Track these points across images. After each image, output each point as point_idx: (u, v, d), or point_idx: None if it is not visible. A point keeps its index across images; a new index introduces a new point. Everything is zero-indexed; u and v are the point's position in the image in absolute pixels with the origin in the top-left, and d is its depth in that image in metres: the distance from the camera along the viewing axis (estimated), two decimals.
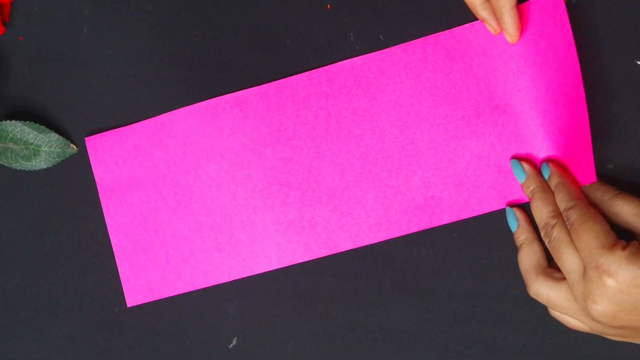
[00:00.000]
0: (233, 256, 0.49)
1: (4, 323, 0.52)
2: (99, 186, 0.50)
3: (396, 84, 0.47)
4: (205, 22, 0.51)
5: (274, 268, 0.49)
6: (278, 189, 0.48)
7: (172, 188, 0.50)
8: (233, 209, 0.49)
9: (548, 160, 0.46)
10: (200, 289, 0.51)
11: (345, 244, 0.48)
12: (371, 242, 0.48)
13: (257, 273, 0.49)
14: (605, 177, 0.48)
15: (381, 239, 0.48)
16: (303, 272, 0.50)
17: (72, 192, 0.52)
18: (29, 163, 0.50)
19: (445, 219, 0.47)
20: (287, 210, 0.48)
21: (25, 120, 0.50)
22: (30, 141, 0.50)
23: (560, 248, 0.43)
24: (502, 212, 0.48)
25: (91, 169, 0.51)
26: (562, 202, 0.44)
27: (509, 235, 0.49)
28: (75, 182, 0.52)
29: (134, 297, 0.50)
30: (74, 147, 0.51)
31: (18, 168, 0.51)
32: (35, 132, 0.50)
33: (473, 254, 0.49)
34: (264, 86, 0.49)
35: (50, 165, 0.51)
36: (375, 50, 0.48)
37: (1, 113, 0.52)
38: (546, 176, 0.46)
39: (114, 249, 0.51)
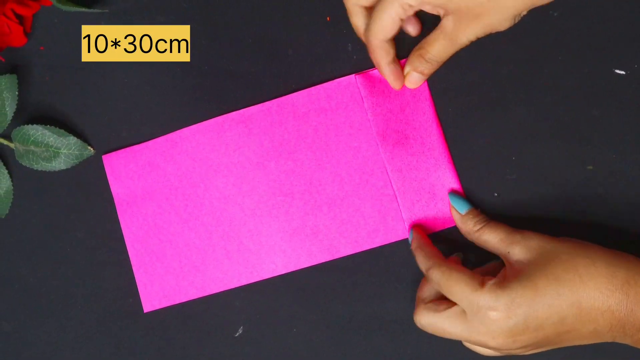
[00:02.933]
0: (242, 263, 0.51)
1: (25, 313, 0.53)
2: (115, 200, 0.52)
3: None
4: (213, 33, 0.52)
5: (280, 273, 0.50)
6: (282, 200, 0.50)
7: (183, 200, 0.51)
8: (241, 219, 0.50)
9: (414, 226, 0.49)
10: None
11: (345, 250, 0.50)
12: (370, 247, 0.50)
13: (264, 278, 0.50)
14: (586, 177, 0.49)
15: (379, 244, 0.50)
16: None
17: (89, 191, 0.52)
18: (49, 164, 0.51)
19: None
20: (290, 219, 0.50)
21: (46, 125, 0.51)
22: (50, 144, 0.51)
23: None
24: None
25: (106, 170, 0.52)
26: (422, 264, 0.46)
27: None
28: (92, 182, 0.52)
29: (150, 303, 0.51)
30: (91, 149, 0.52)
31: (39, 169, 0.51)
32: (55, 136, 0.51)
33: (462, 249, 0.49)
34: (267, 103, 0.50)
35: (69, 167, 0.51)
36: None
37: (24, 118, 0.53)
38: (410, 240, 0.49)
39: (131, 259, 0.51)
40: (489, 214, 0.49)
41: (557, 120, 0.49)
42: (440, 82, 0.50)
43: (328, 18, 0.51)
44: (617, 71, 0.49)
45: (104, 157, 0.52)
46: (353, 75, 0.50)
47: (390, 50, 0.46)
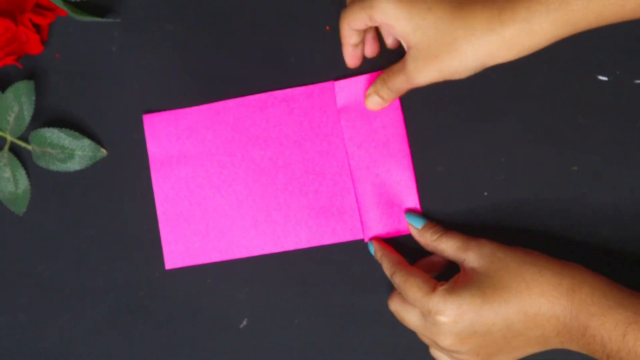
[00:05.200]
0: (267, 233, 0.51)
1: (41, 306, 0.53)
2: (150, 159, 0.52)
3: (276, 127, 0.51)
4: (219, 41, 0.52)
5: (302, 247, 0.51)
6: (313, 178, 0.51)
7: (218, 168, 0.51)
8: (272, 192, 0.51)
9: (372, 238, 0.50)
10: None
11: (368, 232, 0.50)
12: (325, 243, 0.51)
13: (287, 250, 0.51)
14: (571, 177, 0.49)
15: (335, 241, 0.51)
16: (305, 260, 0.51)
17: (102, 191, 0.53)
18: (64, 165, 0.52)
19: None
20: (319, 198, 0.51)
21: (61, 128, 0.51)
22: (65, 146, 0.51)
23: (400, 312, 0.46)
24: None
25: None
26: (386, 271, 0.47)
27: (492, 228, 0.50)
28: (104, 182, 0.53)
29: (172, 260, 0.51)
30: (104, 151, 0.52)
31: (55, 170, 0.52)
32: (70, 138, 0.51)
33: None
34: (311, 86, 0.51)
35: (83, 167, 0.52)
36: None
37: (40, 121, 0.53)
38: (372, 252, 0.49)
39: (158, 217, 0.52)
40: (479, 211, 0.50)
41: (544, 124, 0.50)
42: (434, 89, 0.49)
43: (327, 27, 0.51)
44: (600, 77, 0.49)
45: (144, 116, 0.52)
46: (332, 81, 0.51)
47: (354, 37, 0.47)
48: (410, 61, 0.43)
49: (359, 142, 0.51)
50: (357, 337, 0.51)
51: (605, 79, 0.49)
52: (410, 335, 0.48)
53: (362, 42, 0.49)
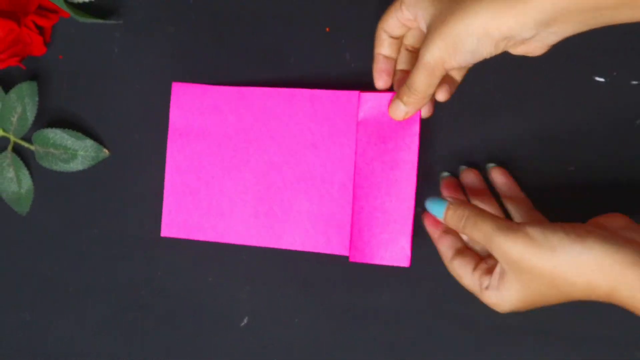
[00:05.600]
0: (266, 226, 0.51)
1: (44, 305, 0.53)
2: (170, 127, 0.51)
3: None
4: (220, 42, 0.52)
5: (296, 249, 0.50)
6: (320, 185, 0.50)
7: (233, 151, 0.51)
8: (278, 188, 0.50)
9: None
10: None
11: (355, 252, 0.49)
12: (310, 250, 0.50)
13: (281, 247, 0.50)
14: (567, 177, 0.49)
15: (320, 251, 0.50)
16: (306, 259, 0.51)
17: (104, 190, 0.53)
18: (67, 165, 0.52)
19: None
20: (320, 205, 0.50)
21: (64, 128, 0.52)
22: (68, 146, 0.52)
23: None
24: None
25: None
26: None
27: None
28: (107, 182, 0.53)
29: (168, 229, 0.51)
30: (106, 151, 0.52)
31: (58, 170, 0.52)
32: (72, 139, 0.52)
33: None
34: (338, 92, 0.49)
35: (86, 167, 0.52)
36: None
37: (43, 122, 0.53)
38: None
39: (165, 185, 0.51)
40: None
41: (542, 123, 0.50)
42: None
43: (327, 29, 0.51)
44: (597, 78, 0.49)
45: (173, 84, 0.51)
46: (359, 91, 0.49)
47: (387, 45, 0.45)
48: (423, 42, 0.40)
49: (369, 159, 0.49)
50: (357, 337, 0.51)
51: (601, 80, 0.49)
52: (410, 334, 0.49)
53: (395, 57, 0.47)
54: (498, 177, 0.49)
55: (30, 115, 0.51)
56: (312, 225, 0.50)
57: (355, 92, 0.49)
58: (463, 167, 0.50)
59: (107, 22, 0.52)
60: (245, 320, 0.52)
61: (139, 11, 0.53)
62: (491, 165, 0.50)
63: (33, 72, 0.53)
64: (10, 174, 0.53)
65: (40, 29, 0.52)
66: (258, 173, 0.51)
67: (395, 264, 0.49)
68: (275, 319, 0.52)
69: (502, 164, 0.50)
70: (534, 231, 0.39)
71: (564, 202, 0.49)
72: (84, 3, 0.52)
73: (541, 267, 0.38)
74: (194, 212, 0.51)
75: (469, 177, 0.49)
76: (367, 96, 0.49)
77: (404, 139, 0.49)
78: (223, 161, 0.51)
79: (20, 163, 0.53)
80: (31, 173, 0.53)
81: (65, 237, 0.53)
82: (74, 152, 0.52)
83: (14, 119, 0.52)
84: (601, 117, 0.49)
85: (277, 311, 0.52)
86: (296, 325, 0.52)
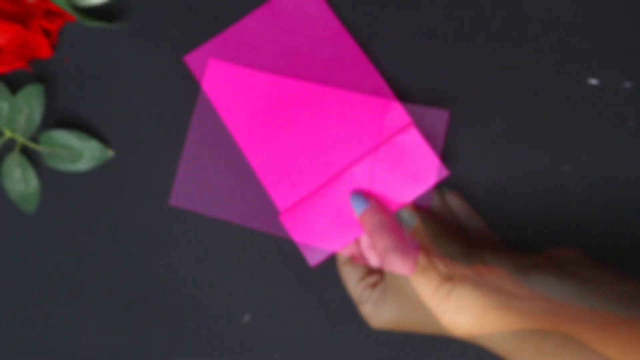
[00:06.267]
0: (272, 213, 0.50)
1: (52, 302, 0.53)
2: (200, 98, 0.50)
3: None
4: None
5: (299, 242, 0.49)
6: (333, 183, 0.48)
7: (256, 140, 0.50)
8: (294, 182, 0.50)
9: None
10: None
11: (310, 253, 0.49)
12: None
13: (281, 235, 0.50)
14: (563, 177, 0.49)
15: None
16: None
17: (110, 190, 0.53)
18: (73, 165, 0.52)
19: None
20: (335, 200, 0.48)
21: (70, 129, 0.51)
22: (74, 147, 0.52)
23: None
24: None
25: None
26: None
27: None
28: (112, 182, 0.53)
29: (178, 198, 0.51)
30: (111, 152, 0.52)
31: (64, 170, 0.52)
32: (78, 140, 0.51)
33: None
34: (373, 99, 0.49)
35: (91, 167, 0.52)
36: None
37: (50, 123, 0.53)
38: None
39: (183, 153, 0.51)
40: (476, 210, 0.49)
41: (537, 125, 0.49)
42: (430, 91, 0.50)
43: None
44: (591, 81, 0.49)
45: (210, 60, 0.51)
46: (393, 101, 0.49)
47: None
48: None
49: (380, 178, 0.48)
50: (357, 333, 0.51)
51: (595, 82, 0.49)
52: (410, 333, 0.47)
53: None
54: (453, 200, 0.49)
55: (37, 116, 0.51)
56: (322, 226, 0.49)
57: (389, 102, 0.49)
58: (446, 190, 0.50)
59: (113, 25, 0.52)
60: (246, 317, 0.52)
61: (144, 15, 0.53)
62: (445, 190, 0.50)
63: (40, 74, 0.53)
64: (18, 174, 0.52)
65: (47, 33, 0.52)
66: (275, 161, 0.50)
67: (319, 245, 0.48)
68: (277, 316, 0.51)
69: (495, 166, 0.50)
70: (423, 259, 0.41)
71: (558, 200, 0.49)
72: (90, 7, 0.52)
73: (418, 294, 0.41)
74: (206, 187, 0.51)
75: (452, 200, 0.50)
76: (396, 106, 0.49)
77: (422, 172, 0.48)
78: (244, 143, 0.50)
79: (27, 163, 0.52)
80: (38, 173, 0.53)
81: (71, 235, 0.53)
82: (80, 153, 0.52)
83: (22, 121, 0.51)
84: (595, 118, 0.49)
85: (279, 308, 0.51)
86: (298, 321, 0.51)
